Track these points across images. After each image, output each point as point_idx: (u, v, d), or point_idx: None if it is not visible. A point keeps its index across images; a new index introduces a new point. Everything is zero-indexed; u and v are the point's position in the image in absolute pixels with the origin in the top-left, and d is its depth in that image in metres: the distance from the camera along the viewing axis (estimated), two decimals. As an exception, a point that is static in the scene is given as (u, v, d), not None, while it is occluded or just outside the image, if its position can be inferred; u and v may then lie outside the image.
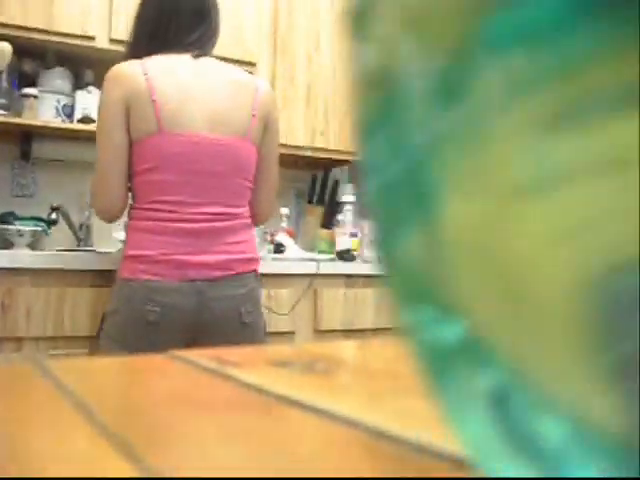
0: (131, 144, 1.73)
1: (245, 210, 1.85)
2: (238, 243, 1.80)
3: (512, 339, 0.12)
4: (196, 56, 1.80)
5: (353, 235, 2.87)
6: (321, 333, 2.57)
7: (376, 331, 2.66)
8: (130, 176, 1.77)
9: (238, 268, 1.78)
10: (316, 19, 3.15)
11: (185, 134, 1.73)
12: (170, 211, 1.72)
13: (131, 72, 1.73)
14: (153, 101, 1.70)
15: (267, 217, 2.02)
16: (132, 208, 1.79)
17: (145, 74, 1.72)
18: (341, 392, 0.33)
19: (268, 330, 2.03)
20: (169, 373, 0.37)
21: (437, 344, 0.14)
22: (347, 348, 0.48)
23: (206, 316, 1.72)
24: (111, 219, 1.82)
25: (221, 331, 1.75)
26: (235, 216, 1.81)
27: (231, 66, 1.91)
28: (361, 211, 2.99)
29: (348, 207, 2.96)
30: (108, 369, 0.39)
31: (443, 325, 0.14)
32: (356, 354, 0.46)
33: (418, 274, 0.14)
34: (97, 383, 0.35)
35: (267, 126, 1.89)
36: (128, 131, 1.73)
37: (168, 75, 1.74)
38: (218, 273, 1.74)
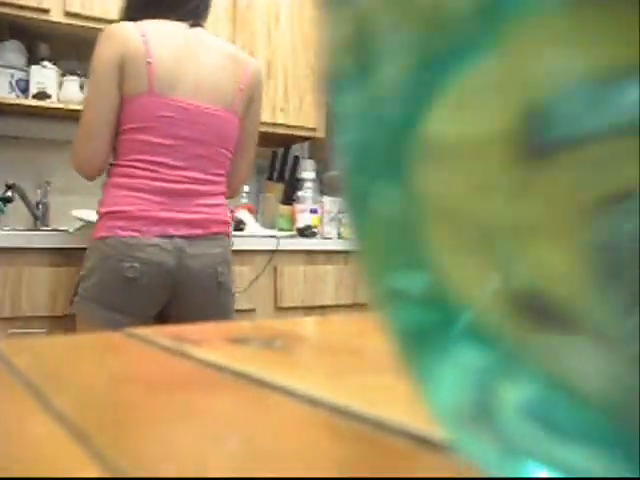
0: (121, 102, 1.75)
1: (223, 180, 1.89)
2: (215, 206, 1.84)
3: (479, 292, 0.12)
4: (192, 25, 1.83)
5: (313, 212, 2.87)
6: (282, 310, 2.57)
7: (337, 307, 2.67)
8: (115, 133, 1.78)
9: (214, 228, 1.82)
10: (275, -6, 3.12)
11: (175, 99, 1.76)
12: (151, 170, 1.74)
13: (128, 32, 1.74)
14: (148, 63, 1.72)
15: (239, 190, 2.11)
16: (111, 165, 1.81)
17: (142, 36, 1.74)
18: (300, 369, 0.32)
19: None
20: (125, 352, 0.36)
21: (405, 297, 0.14)
22: (306, 324, 0.48)
23: (184, 273, 1.75)
24: (92, 173, 1.81)
25: (198, 289, 1.78)
26: (213, 183, 1.85)
27: (223, 40, 1.98)
28: (321, 188, 2.99)
29: (308, 184, 2.96)
30: (62, 349, 0.38)
31: (411, 277, 0.13)
32: (315, 330, 0.46)
33: (388, 229, 0.14)
34: (50, 364, 0.34)
35: (251, 102, 1.94)
36: (120, 88, 1.74)
37: (164, 40, 1.77)
38: (197, 231, 1.77)
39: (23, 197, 2.68)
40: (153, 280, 1.72)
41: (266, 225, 3.02)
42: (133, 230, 1.70)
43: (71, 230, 2.32)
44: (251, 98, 1.94)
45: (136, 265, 1.69)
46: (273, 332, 0.42)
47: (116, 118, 1.75)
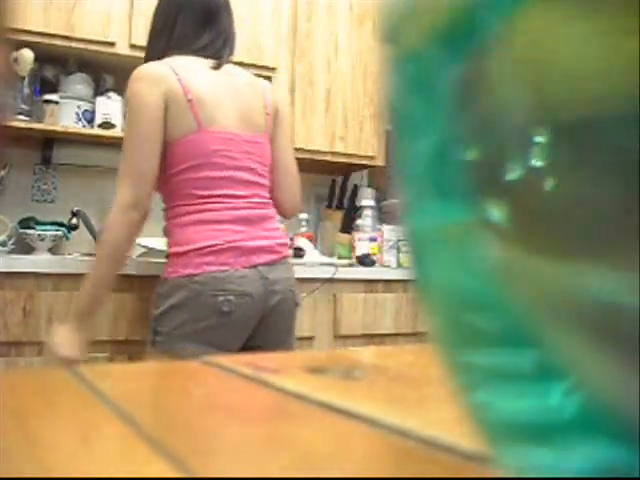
0: (165, 146, 1.74)
1: (271, 201, 1.91)
2: (276, 229, 1.87)
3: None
4: (214, 67, 1.84)
5: (372, 240, 2.86)
6: (341, 338, 2.56)
7: (396, 336, 2.65)
8: (164, 177, 1.77)
9: (283, 251, 1.85)
10: (335, 24, 3.15)
11: (221, 131, 1.78)
12: (222, 202, 1.75)
13: (163, 72, 1.76)
14: (189, 100, 1.74)
15: (295, 208, 2.07)
16: (171, 208, 1.80)
17: (176, 74, 1.75)
18: (382, 400, 0.32)
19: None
20: (206, 380, 0.37)
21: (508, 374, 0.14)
22: (381, 354, 0.48)
23: (272, 300, 1.77)
24: (142, 214, 1.73)
25: (283, 313, 1.81)
26: (269, 206, 1.88)
27: (240, 68, 1.96)
28: (380, 216, 2.99)
29: (367, 212, 2.96)
30: (143, 376, 0.38)
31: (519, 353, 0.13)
32: (391, 360, 0.46)
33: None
34: (134, 390, 0.34)
35: (278, 123, 1.97)
36: (164, 131, 1.74)
37: (194, 75, 1.78)
38: (274, 256, 1.80)
39: (87, 224, 2.74)
40: (247, 311, 1.72)
41: (325, 253, 3.02)
42: (222, 264, 1.70)
43: (134, 257, 2.35)
44: (277, 120, 1.96)
45: (230, 298, 1.69)
46: (350, 362, 0.42)
47: (159, 162, 1.73)
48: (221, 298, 1.68)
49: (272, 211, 1.89)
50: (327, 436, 0.26)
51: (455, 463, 0.23)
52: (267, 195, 1.88)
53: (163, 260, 2.29)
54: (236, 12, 2.60)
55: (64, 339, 1.77)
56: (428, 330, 0.16)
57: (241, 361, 0.41)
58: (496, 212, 0.13)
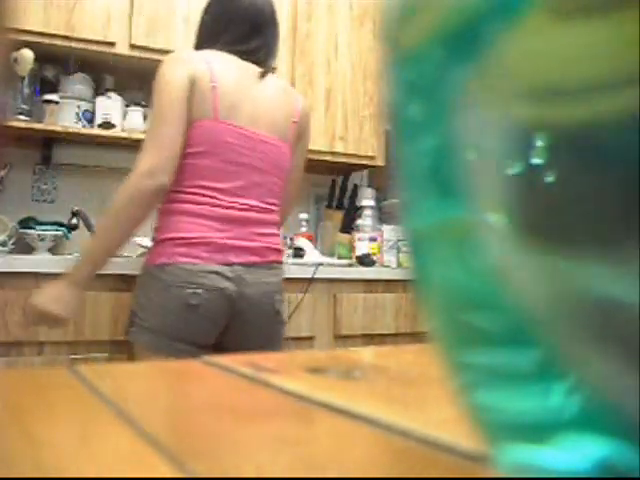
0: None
1: (277, 209, 1.90)
2: (270, 235, 1.85)
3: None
4: (260, 76, 1.87)
5: (372, 240, 2.86)
6: (341, 338, 2.56)
7: (396, 336, 2.65)
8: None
9: (271, 256, 1.83)
10: (335, 24, 3.15)
11: (237, 125, 1.78)
12: (211, 197, 1.74)
13: (192, 56, 1.78)
14: (213, 87, 1.75)
15: (286, 219, 2.11)
16: (169, 192, 1.76)
17: (206, 62, 1.77)
18: (382, 400, 0.32)
19: (288, 335, 2.05)
20: (205, 380, 0.37)
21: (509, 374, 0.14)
22: (381, 354, 0.48)
23: (243, 301, 1.75)
24: (156, 185, 1.67)
25: (256, 317, 1.78)
26: (269, 211, 1.86)
27: (276, 77, 1.99)
28: (380, 216, 2.99)
29: (367, 212, 2.96)
30: (142, 375, 0.38)
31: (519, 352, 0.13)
32: (391, 360, 0.46)
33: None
34: (133, 389, 0.34)
35: (301, 136, 1.99)
36: (188, 108, 1.74)
37: (225, 67, 1.80)
38: (255, 259, 1.78)
39: (87, 224, 2.74)
40: (215, 307, 1.71)
41: (325, 253, 3.02)
42: (194, 257, 1.69)
43: (133, 256, 2.35)
44: (301, 132, 1.98)
45: (199, 292, 1.68)
46: (350, 362, 0.42)
47: (182, 139, 1.73)
48: (189, 291, 1.67)
49: (272, 217, 1.88)
50: (327, 436, 0.26)
51: (455, 463, 0.23)
52: (272, 200, 1.87)
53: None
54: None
55: (54, 297, 1.72)
56: (428, 330, 0.16)
57: (241, 361, 0.41)
58: (496, 212, 0.13)
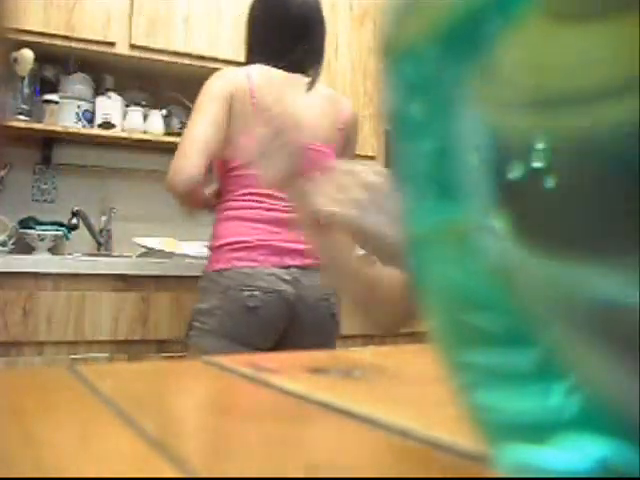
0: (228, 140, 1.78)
1: None
2: None
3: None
4: (307, 88, 1.89)
5: (372, 240, 2.86)
6: (341, 338, 2.55)
7: (396, 336, 2.65)
8: (223, 172, 1.81)
9: None
10: (335, 24, 3.15)
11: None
12: (262, 202, 1.75)
13: (235, 73, 1.81)
14: (253, 103, 1.77)
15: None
16: (220, 203, 1.81)
17: (248, 77, 1.79)
18: (383, 400, 0.32)
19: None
20: (206, 380, 0.37)
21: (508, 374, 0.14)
22: (382, 354, 0.48)
23: (301, 304, 1.74)
24: (183, 186, 1.71)
25: (314, 320, 1.77)
26: None
27: (323, 85, 2.00)
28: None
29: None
30: (143, 375, 0.38)
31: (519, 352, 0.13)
32: (392, 360, 0.46)
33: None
34: (135, 390, 0.34)
35: (349, 141, 1.97)
36: (228, 125, 1.76)
37: (266, 81, 1.81)
38: (310, 260, 1.75)
39: (87, 224, 2.73)
40: (273, 309, 1.71)
41: (324, 253, 3.01)
42: (252, 260, 1.70)
43: (133, 256, 2.35)
44: (349, 137, 1.97)
45: (256, 294, 1.68)
46: (350, 362, 0.42)
47: (218, 147, 1.75)
48: (247, 293, 1.68)
49: None
50: (327, 436, 0.26)
51: (455, 463, 0.23)
52: None
53: (163, 260, 2.29)
54: (236, 11, 2.61)
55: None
56: (428, 330, 0.16)
57: (241, 361, 0.41)
58: (496, 213, 0.13)
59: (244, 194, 1.77)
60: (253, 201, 1.76)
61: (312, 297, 1.74)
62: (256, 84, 1.78)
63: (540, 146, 0.11)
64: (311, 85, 1.88)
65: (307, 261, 1.75)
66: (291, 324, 1.74)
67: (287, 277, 1.72)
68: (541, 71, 0.11)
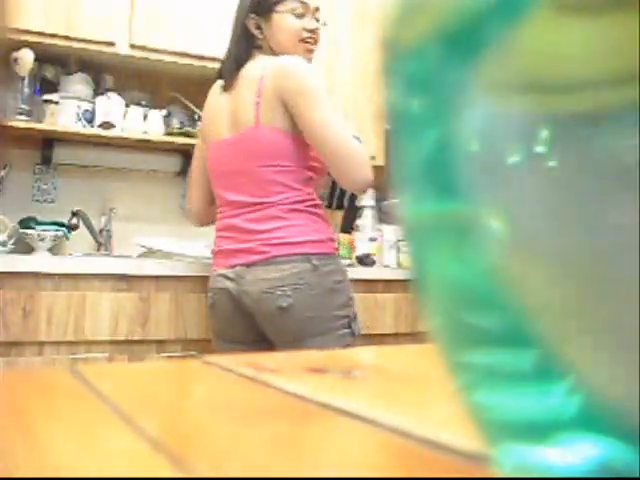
0: None
1: (280, 198, 1.82)
2: (277, 229, 1.82)
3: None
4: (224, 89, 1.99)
5: (372, 240, 2.86)
6: (341, 338, 2.56)
7: (396, 336, 2.65)
8: None
9: (271, 251, 1.81)
10: (335, 24, 3.15)
11: (213, 142, 1.93)
12: (220, 211, 1.93)
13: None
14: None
15: (354, 183, 2.01)
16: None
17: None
18: (382, 399, 0.32)
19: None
20: (206, 380, 0.37)
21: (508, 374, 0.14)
22: (381, 354, 0.48)
23: (245, 297, 1.83)
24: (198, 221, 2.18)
25: (260, 314, 1.83)
26: (266, 205, 1.82)
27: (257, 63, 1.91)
28: (380, 216, 2.99)
29: (367, 212, 2.96)
30: (143, 375, 0.38)
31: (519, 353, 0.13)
32: (391, 360, 0.46)
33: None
34: (133, 389, 0.34)
35: (286, 100, 1.82)
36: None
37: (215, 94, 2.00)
38: (255, 257, 1.82)
39: (87, 224, 2.74)
40: (222, 305, 1.87)
41: (325, 253, 3.01)
42: (215, 265, 1.92)
43: (133, 256, 2.35)
44: (281, 97, 1.81)
45: (210, 294, 1.91)
46: (350, 362, 0.42)
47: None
48: (209, 294, 1.93)
49: (274, 210, 1.81)
50: (327, 436, 0.26)
51: (455, 463, 0.23)
52: (263, 193, 1.81)
53: (163, 260, 2.29)
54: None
55: None
56: (428, 330, 0.16)
57: (241, 361, 0.41)
58: (496, 212, 0.13)
59: (219, 204, 1.96)
60: (219, 212, 1.95)
61: (256, 291, 1.81)
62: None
63: (541, 131, 0.11)
64: (226, 87, 1.98)
65: (253, 258, 1.84)
66: (249, 316, 1.85)
67: (231, 275, 1.86)
68: (545, 59, 0.11)
